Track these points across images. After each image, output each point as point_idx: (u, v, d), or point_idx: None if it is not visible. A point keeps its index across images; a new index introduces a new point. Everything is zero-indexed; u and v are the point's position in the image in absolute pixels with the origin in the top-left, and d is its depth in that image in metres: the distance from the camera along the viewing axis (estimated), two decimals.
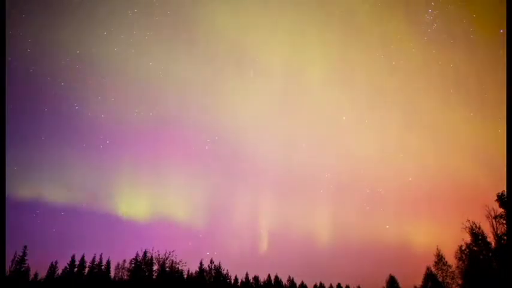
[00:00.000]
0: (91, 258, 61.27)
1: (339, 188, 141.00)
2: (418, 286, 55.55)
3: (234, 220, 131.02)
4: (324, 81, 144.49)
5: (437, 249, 50.78)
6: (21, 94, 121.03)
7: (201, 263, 66.58)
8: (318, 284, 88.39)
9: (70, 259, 59.49)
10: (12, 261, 54.21)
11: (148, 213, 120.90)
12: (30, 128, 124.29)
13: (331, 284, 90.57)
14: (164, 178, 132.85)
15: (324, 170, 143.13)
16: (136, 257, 56.97)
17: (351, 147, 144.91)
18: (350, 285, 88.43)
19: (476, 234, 38.63)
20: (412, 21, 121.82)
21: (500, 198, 34.66)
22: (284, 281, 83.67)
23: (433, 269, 51.40)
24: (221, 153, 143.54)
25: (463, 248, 40.33)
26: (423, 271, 54.93)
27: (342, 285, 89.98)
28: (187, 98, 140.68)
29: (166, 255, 53.84)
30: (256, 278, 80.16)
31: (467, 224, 39.51)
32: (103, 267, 61.62)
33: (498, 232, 35.54)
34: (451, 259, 47.82)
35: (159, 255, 54.13)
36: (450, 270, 47.86)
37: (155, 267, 54.70)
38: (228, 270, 71.10)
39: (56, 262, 60.21)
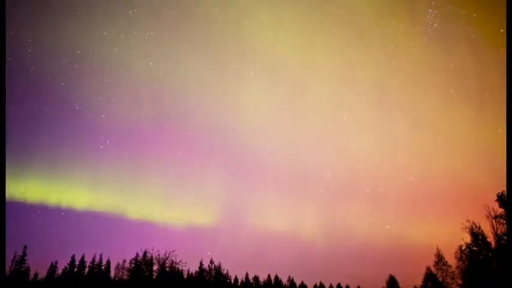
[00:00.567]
0: (91, 258, 61.42)
1: (339, 187, 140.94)
2: (418, 286, 55.60)
3: (234, 220, 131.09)
4: (324, 81, 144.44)
5: (437, 249, 50.88)
6: (21, 94, 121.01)
7: (201, 263, 66.65)
8: (318, 284, 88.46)
9: (70, 259, 59.58)
10: (12, 261, 54.30)
11: (149, 213, 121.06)
12: (30, 128, 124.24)
13: (331, 284, 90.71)
14: (164, 178, 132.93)
15: (324, 170, 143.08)
16: (136, 257, 57.04)
17: (351, 147, 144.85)
18: (350, 285, 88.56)
19: (476, 234, 38.62)
20: (412, 21, 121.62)
21: (500, 198, 34.66)
22: (284, 281, 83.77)
23: (433, 269, 51.44)
24: (221, 153, 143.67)
25: (463, 248, 40.32)
26: (423, 271, 54.98)
27: (342, 285, 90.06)
28: (187, 98, 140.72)
29: (166, 255, 53.98)
30: (256, 278, 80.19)
31: (467, 224, 39.54)
32: (103, 267, 61.65)
33: (498, 232, 35.53)
34: (451, 259, 47.87)
35: (159, 255, 54.24)
36: (450, 270, 47.88)
37: (155, 267, 54.74)
38: (228, 270, 71.28)
39: (56, 262, 60.35)
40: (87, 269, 60.11)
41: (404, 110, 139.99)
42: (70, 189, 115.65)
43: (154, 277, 54.02)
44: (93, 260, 61.32)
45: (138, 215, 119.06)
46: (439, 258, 49.89)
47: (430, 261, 51.84)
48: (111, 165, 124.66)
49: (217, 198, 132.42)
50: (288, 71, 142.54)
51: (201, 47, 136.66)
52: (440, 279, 48.77)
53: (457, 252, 41.47)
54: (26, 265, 56.12)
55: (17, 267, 54.48)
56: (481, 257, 37.81)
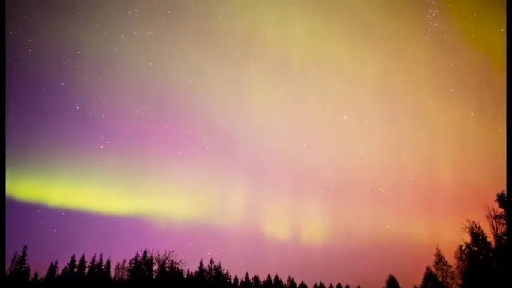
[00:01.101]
0: (91, 258, 61.32)
1: (339, 187, 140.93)
2: (418, 286, 55.54)
3: (234, 220, 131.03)
4: (324, 81, 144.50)
5: (437, 249, 50.84)
6: (21, 94, 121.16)
7: (201, 263, 66.61)
8: (318, 284, 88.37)
9: (70, 259, 59.46)
10: (12, 261, 54.21)
11: (150, 213, 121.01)
12: (30, 128, 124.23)
13: (331, 284, 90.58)
14: (164, 178, 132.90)
15: (324, 170, 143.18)
16: (136, 257, 57.04)
17: (351, 147, 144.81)
18: (350, 285, 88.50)
19: (476, 234, 38.63)
20: (412, 20, 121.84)
21: (500, 198, 34.67)
22: (284, 281, 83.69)
23: (433, 269, 51.41)
24: (221, 153, 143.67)
25: (463, 248, 40.29)
26: (423, 271, 54.88)
27: (342, 285, 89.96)
28: (187, 98, 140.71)
29: (166, 255, 54.01)
30: (256, 278, 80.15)
31: (467, 224, 39.53)
32: (103, 267, 61.62)
33: (498, 232, 35.54)
34: (451, 259, 47.78)
35: (159, 255, 54.28)
36: (450, 270, 47.84)
37: (155, 267, 54.76)
38: (228, 270, 71.24)
39: (56, 262, 60.20)
40: (87, 269, 60.05)
41: (405, 110, 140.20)
42: (70, 189, 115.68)
43: (154, 277, 54.04)
44: (93, 260, 61.30)
45: (138, 214, 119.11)
46: (439, 258, 49.87)
47: (430, 261, 51.86)
48: (111, 165, 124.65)
49: (217, 198, 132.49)
50: (288, 71, 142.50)
51: (201, 47, 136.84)
52: (440, 279, 48.76)
53: (457, 252, 41.46)
54: (26, 265, 56.07)
55: (17, 267, 54.43)
56: (481, 257, 37.81)
